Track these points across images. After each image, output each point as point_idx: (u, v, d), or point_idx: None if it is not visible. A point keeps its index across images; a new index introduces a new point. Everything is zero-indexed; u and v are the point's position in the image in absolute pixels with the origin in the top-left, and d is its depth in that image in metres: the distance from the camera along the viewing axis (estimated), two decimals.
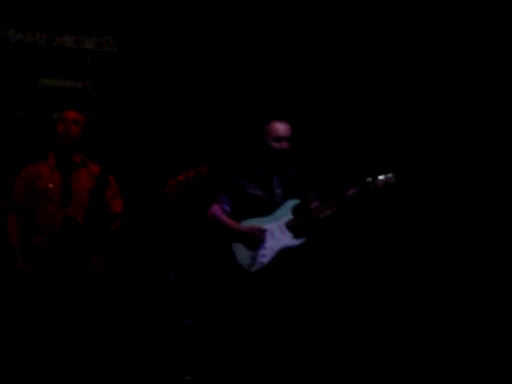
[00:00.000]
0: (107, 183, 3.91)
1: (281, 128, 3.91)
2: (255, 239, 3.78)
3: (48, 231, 3.73)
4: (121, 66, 5.45)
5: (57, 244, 3.70)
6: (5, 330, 3.98)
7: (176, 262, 4.83)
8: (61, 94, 5.33)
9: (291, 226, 3.79)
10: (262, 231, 3.79)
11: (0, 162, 4.64)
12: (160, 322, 4.68)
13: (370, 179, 3.75)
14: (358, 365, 4.53)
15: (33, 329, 3.65)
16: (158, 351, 4.57)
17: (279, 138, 3.89)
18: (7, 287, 3.87)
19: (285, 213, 3.83)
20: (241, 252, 3.81)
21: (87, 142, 4.05)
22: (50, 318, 3.66)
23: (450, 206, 5.02)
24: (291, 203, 3.85)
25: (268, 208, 3.86)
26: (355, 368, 4.49)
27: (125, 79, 5.42)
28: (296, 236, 3.78)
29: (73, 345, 3.70)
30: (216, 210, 3.91)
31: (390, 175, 3.76)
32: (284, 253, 3.77)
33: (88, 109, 5.21)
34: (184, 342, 4.53)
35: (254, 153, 4.06)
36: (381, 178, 3.74)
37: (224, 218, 3.89)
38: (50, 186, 3.82)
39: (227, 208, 3.91)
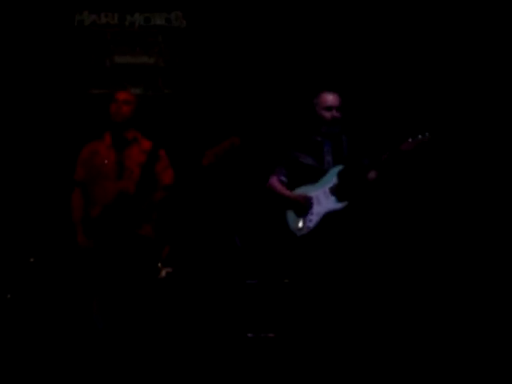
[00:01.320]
0: (157, 157, 4.17)
1: (330, 98, 4.11)
2: (303, 206, 4.03)
3: (103, 203, 4.04)
4: (190, 39, 5.68)
5: (111, 215, 4.04)
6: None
7: (241, 228, 5.10)
8: (135, 71, 5.66)
9: (335, 190, 3.98)
10: (309, 198, 4.04)
11: (79, 138, 5.00)
12: (223, 283, 4.98)
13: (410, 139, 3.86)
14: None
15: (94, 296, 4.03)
16: (222, 310, 4.87)
17: (330, 108, 4.09)
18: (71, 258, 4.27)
19: (330, 178, 4.05)
20: (292, 218, 4.09)
21: (142, 118, 4.34)
22: (109, 284, 4.01)
23: None
24: (336, 169, 4.06)
25: (318, 175, 4.09)
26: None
27: (194, 52, 5.66)
28: (339, 199, 3.98)
29: (134, 310, 4.03)
30: (273, 180, 4.23)
31: (426, 134, 3.84)
32: (328, 216, 3.98)
33: (161, 83, 5.56)
34: (246, 302, 4.81)
35: (306, 124, 4.24)
36: (419, 137, 3.84)
37: (279, 187, 4.19)
38: (106, 162, 4.13)
39: (283, 178, 4.20)
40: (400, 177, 4.53)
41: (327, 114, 4.09)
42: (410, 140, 3.85)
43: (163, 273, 4.99)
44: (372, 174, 3.96)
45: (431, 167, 5.19)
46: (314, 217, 4.01)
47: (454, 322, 4.59)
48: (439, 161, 5.18)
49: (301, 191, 4.11)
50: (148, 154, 4.13)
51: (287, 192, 4.15)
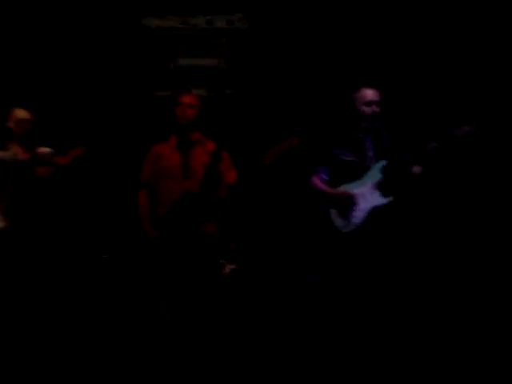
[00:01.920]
0: (220, 158, 4.30)
1: (370, 93, 4.12)
2: (348, 203, 4.06)
3: (170, 203, 4.20)
4: (252, 40, 5.80)
5: (176, 214, 4.19)
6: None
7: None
8: (198, 72, 5.81)
9: (380, 185, 4.03)
10: (353, 194, 4.06)
11: (145, 139, 5.17)
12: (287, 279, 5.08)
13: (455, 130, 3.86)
14: None
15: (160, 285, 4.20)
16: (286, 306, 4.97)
17: (369, 103, 4.10)
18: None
19: (375, 174, 4.08)
20: (336, 216, 4.12)
21: (206, 119, 4.48)
22: (176, 280, 4.17)
23: None
24: (380, 164, 4.08)
25: (361, 171, 4.11)
26: None
27: (255, 53, 5.78)
28: (384, 195, 4.02)
29: (199, 305, 4.17)
30: (315, 179, 4.26)
31: (470, 125, 3.84)
32: (375, 212, 4.01)
33: (224, 84, 5.70)
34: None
35: (345, 120, 4.26)
36: (464, 127, 3.83)
37: (321, 186, 4.22)
38: (171, 163, 4.29)
39: (325, 177, 4.23)
40: (444, 169, 4.50)
41: (367, 110, 4.10)
42: (456, 130, 3.83)
43: (227, 269, 5.13)
44: (416, 168, 3.97)
45: (475, 159, 5.14)
46: (360, 213, 4.04)
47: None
48: (483, 152, 5.14)
49: (345, 188, 4.14)
50: (212, 154, 4.26)
51: (331, 189, 4.19)
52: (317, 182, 4.25)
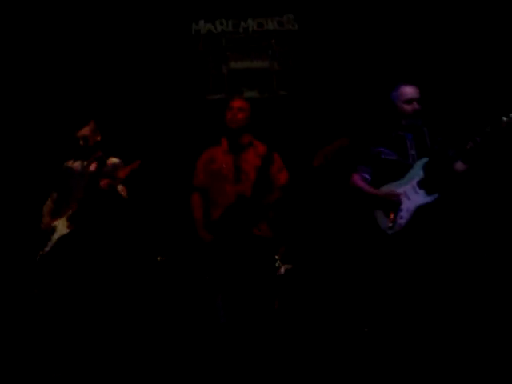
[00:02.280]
0: (272, 160, 4.35)
1: (410, 90, 4.07)
2: (392, 203, 3.99)
3: (223, 206, 4.28)
4: (301, 41, 5.84)
5: (231, 216, 4.26)
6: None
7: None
8: (250, 75, 5.88)
9: (423, 184, 3.95)
10: (397, 194, 3.98)
11: (199, 142, 5.26)
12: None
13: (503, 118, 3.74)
14: None
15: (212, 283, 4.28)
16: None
17: (410, 100, 4.05)
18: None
19: (417, 172, 4.00)
20: (381, 217, 4.06)
21: (258, 120, 4.53)
22: (232, 281, 4.24)
23: None
24: (422, 162, 4.00)
25: (403, 170, 4.04)
26: None
27: (306, 54, 5.81)
28: (428, 193, 3.94)
29: (255, 306, 4.23)
30: (356, 179, 4.21)
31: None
32: (419, 211, 3.93)
33: (276, 85, 5.75)
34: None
35: (386, 118, 4.21)
36: (504, 118, 3.72)
37: (364, 185, 4.16)
38: (224, 166, 4.36)
39: (367, 176, 4.18)
40: (487, 165, 4.42)
41: (408, 107, 4.04)
42: (503, 120, 3.70)
43: (282, 270, 5.18)
44: (459, 165, 3.88)
45: None
46: (405, 213, 3.95)
47: None
48: None
49: (388, 188, 4.07)
50: (263, 157, 4.30)
51: (374, 190, 4.12)
52: (359, 182, 4.19)
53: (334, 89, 5.72)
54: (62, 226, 4.51)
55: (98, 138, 4.70)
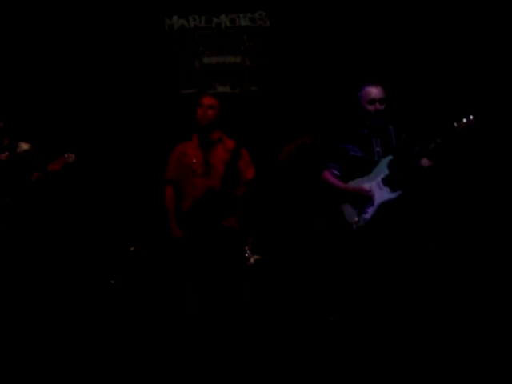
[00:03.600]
0: (240, 155, 4.52)
1: (373, 91, 4.20)
2: (360, 197, 4.17)
3: (193, 198, 4.44)
4: (273, 37, 5.99)
5: (199, 209, 4.43)
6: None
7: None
8: (222, 70, 6.02)
9: (388, 181, 4.13)
10: (367, 189, 4.15)
11: (171, 137, 5.33)
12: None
13: (455, 124, 3.91)
14: None
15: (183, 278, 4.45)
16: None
17: (372, 100, 4.18)
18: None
19: (382, 169, 4.17)
20: (348, 210, 4.24)
21: (228, 115, 4.67)
22: (201, 270, 4.41)
23: None
24: (387, 159, 4.17)
25: (369, 167, 4.22)
26: None
27: (277, 50, 5.96)
28: (393, 189, 4.12)
29: (224, 294, 4.41)
30: (326, 174, 4.36)
31: (470, 117, 3.89)
32: (383, 207, 4.12)
33: (247, 81, 5.91)
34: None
35: (354, 117, 4.35)
36: (464, 120, 3.89)
37: (333, 180, 4.32)
38: (194, 161, 4.53)
39: (336, 172, 4.33)
40: (449, 162, 4.61)
41: (371, 107, 4.18)
42: (456, 124, 3.88)
43: (252, 260, 5.37)
44: (425, 162, 4.02)
45: (478, 152, 5.25)
46: (370, 208, 4.15)
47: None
48: (485, 145, 5.24)
49: (354, 184, 4.25)
50: (231, 152, 4.47)
51: (343, 185, 4.29)
52: (329, 177, 4.34)
53: (303, 85, 5.87)
54: None
55: (1, 124, 4.55)
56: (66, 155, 4.38)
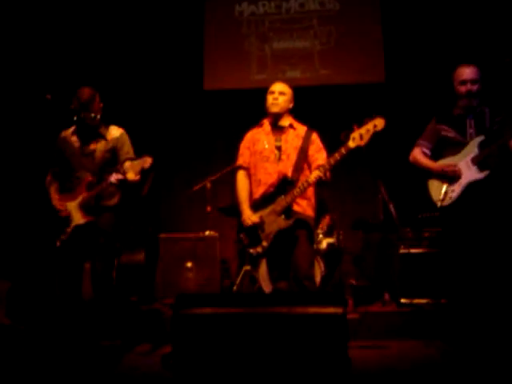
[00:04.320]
0: (311, 141, 4.57)
1: (465, 71, 4.23)
2: (447, 176, 4.24)
3: (265, 184, 4.54)
4: (343, 21, 5.99)
5: (272, 194, 4.51)
6: None
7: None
8: (292, 55, 6.07)
9: (476, 160, 4.16)
10: (457, 168, 4.21)
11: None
12: None
13: None
14: None
15: None
16: None
17: (464, 81, 4.22)
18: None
19: (472, 149, 4.21)
20: (434, 189, 4.32)
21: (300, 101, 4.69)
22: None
23: None
24: (478, 139, 4.20)
25: (460, 147, 4.26)
26: None
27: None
28: (481, 169, 4.14)
29: None
30: (416, 153, 4.48)
31: None
32: (470, 186, 4.16)
33: (318, 65, 5.93)
34: None
35: (448, 98, 4.37)
36: None
37: (422, 159, 4.43)
38: (266, 147, 4.61)
39: (426, 151, 4.44)
40: None
41: (462, 88, 4.23)
42: None
43: (324, 244, 5.45)
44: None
45: None
46: (457, 187, 4.20)
47: None
48: None
49: (443, 162, 4.30)
50: (303, 137, 4.52)
51: (432, 163, 4.36)
52: (418, 155, 4.45)
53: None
54: (76, 214, 4.46)
55: (101, 114, 4.52)
56: (143, 158, 4.32)
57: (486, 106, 4.26)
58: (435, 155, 4.41)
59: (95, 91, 4.51)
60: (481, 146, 4.17)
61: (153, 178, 5.43)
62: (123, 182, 4.42)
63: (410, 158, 4.52)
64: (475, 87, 4.20)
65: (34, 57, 5.99)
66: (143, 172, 4.38)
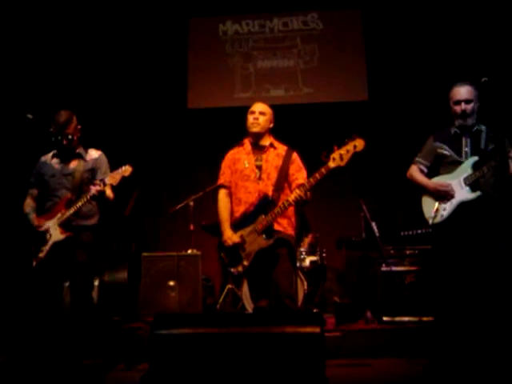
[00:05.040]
0: (291, 160, 4.59)
1: (458, 91, 4.27)
2: (440, 195, 4.27)
3: (246, 203, 4.55)
4: (326, 40, 6.03)
5: (253, 213, 4.51)
6: None
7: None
8: (276, 73, 6.11)
9: (468, 181, 4.19)
10: (446, 189, 4.25)
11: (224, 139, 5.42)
12: None
13: None
14: None
15: None
16: None
17: (458, 101, 4.26)
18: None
19: (465, 169, 4.24)
20: (427, 206, 4.35)
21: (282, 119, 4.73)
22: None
23: None
24: (471, 160, 4.23)
25: (455, 166, 4.30)
26: None
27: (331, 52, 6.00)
28: (472, 190, 4.18)
29: None
30: (413, 170, 4.52)
31: None
32: (461, 206, 4.19)
33: (301, 83, 5.96)
34: None
35: (446, 116, 4.41)
36: None
37: (418, 176, 4.47)
38: (246, 166, 4.61)
39: (423, 168, 4.48)
40: None
41: (457, 108, 4.26)
42: None
43: (307, 262, 5.45)
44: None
45: None
46: (448, 206, 4.23)
47: None
48: None
49: (437, 180, 4.34)
50: (283, 157, 4.54)
51: (426, 181, 4.40)
52: (416, 173, 4.48)
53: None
54: (54, 231, 4.43)
55: (79, 135, 4.58)
56: (123, 167, 4.36)
57: (482, 125, 4.30)
58: (432, 171, 4.45)
59: (72, 113, 4.55)
60: (474, 166, 4.20)
61: (136, 197, 5.42)
62: (102, 195, 4.40)
63: (407, 174, 4.56)
64: (469, 107, 4.24)
65: (17, 77, 5.98)
66: (127, 192, 4.37)
